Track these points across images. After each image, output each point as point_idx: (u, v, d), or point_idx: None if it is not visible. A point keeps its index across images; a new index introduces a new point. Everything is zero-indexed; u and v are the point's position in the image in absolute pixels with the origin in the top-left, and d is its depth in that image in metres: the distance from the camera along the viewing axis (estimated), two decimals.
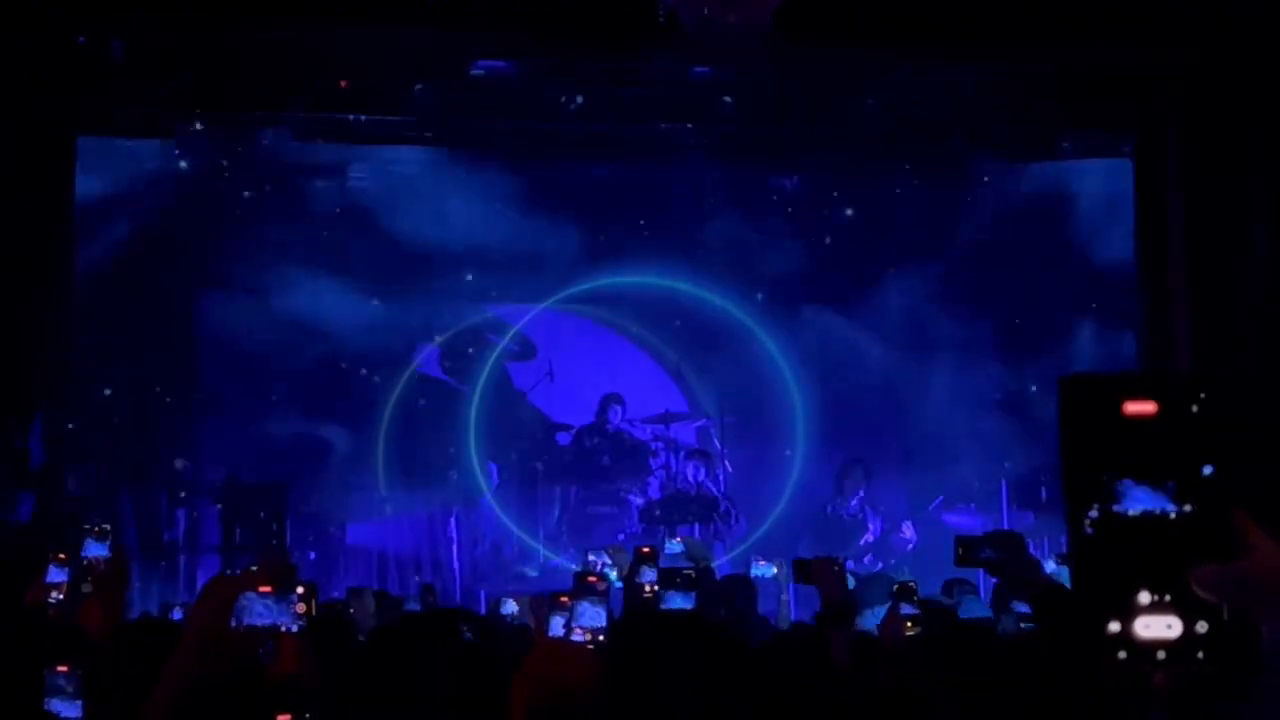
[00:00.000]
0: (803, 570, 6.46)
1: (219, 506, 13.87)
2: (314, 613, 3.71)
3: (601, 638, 4.54)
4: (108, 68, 11.75)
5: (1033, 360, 14.35)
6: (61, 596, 5.99)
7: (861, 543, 14.12)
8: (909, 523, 14.30)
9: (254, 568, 4.13)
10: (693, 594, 4.27)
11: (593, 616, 4.55)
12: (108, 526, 5.83)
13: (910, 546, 14.08)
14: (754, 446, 15.35)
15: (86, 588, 5.70)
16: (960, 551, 4.19)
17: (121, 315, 13.42)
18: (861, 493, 14.32)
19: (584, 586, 4.64)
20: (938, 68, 12.63)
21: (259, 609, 3.42)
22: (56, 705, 3.86)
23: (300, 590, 3.57)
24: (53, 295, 12.08)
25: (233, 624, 3.39)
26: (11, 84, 11.17)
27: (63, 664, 3.89)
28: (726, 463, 14.94)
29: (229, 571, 13.33)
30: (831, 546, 13.14)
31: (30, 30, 11.10)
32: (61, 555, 6.12)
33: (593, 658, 3.93)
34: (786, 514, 15.05)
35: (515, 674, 3.82)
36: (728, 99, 13.25)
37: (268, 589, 3.44)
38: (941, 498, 14.44)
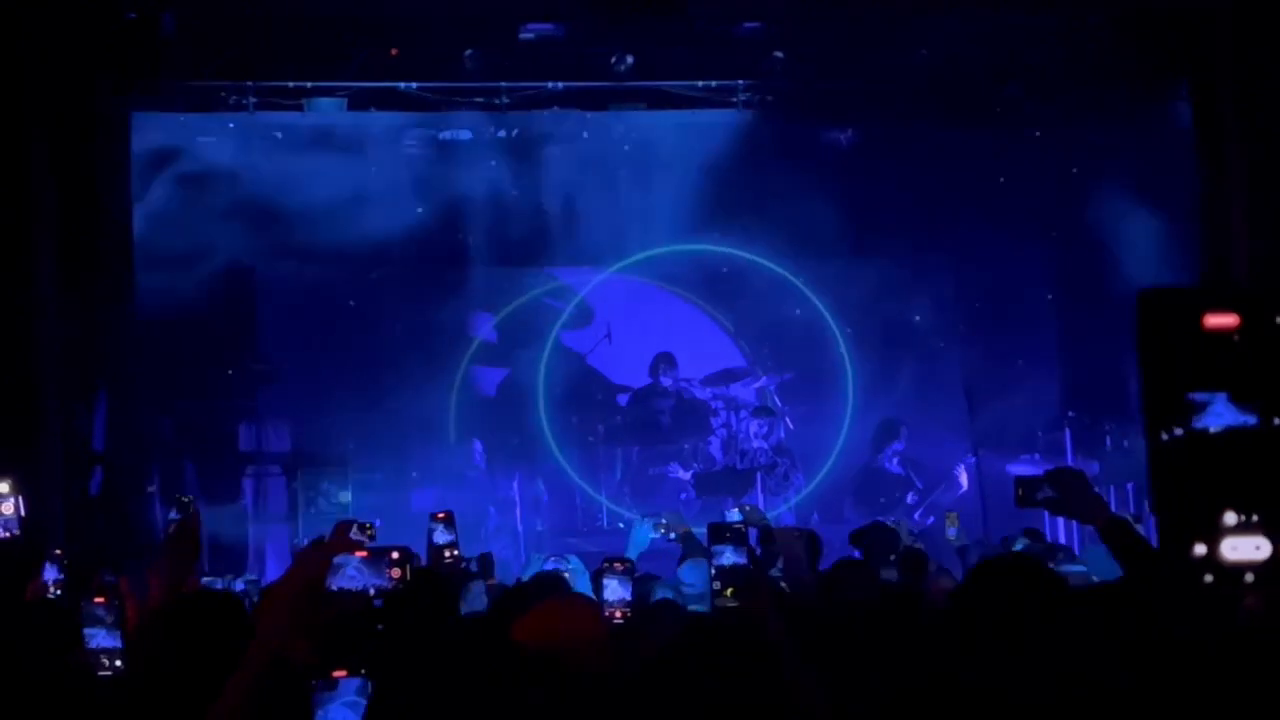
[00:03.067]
0: (769, 539, 6.54)
1: (284, 476, 13.98)
2: (408, 577, 3.76)
3: (628, 611, 5.01)
4: (159, 41, 11.79)
5: (1092, 307, 14.19)
6: (60, 593, 6.01)
7: (909, 499, 14.12)
8: (962, 467, 14.26)
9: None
10: (744, 548, 4.26)
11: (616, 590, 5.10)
12: (188, 498, 5.87)
13: (961, 492, 14.07)
14: (814, 404, 15.32)
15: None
16: (1020, 492, 4.20)
17: (183, 289, 13.49)
18: (899, 449, 14.32)
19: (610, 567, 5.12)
20: (990, 16, 12.48)
21: (351, 572, 3.45)
22: (97, 636, 3.95)
23: (395, 555, 3.61)
24: (113, 273, 12.17)
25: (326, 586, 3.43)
26: (65, 61, 11.23)
27: (99, 596, 3.98)
28: (787, 419, 14.92)
29: (300, 541, 13.48)
30: (875, 504, 13.23)
31: (82, 7, 11.16)
32: (58, 551, 6.15)
33: (595, 618, 3.98)
34: (837, 469, 15.02)
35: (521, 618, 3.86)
36: (778, 54, 13.14)
37: (364, 553, 3.47)
38: (974, 456, 14.35)
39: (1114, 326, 13.53)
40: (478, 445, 14.66)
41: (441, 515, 5.89)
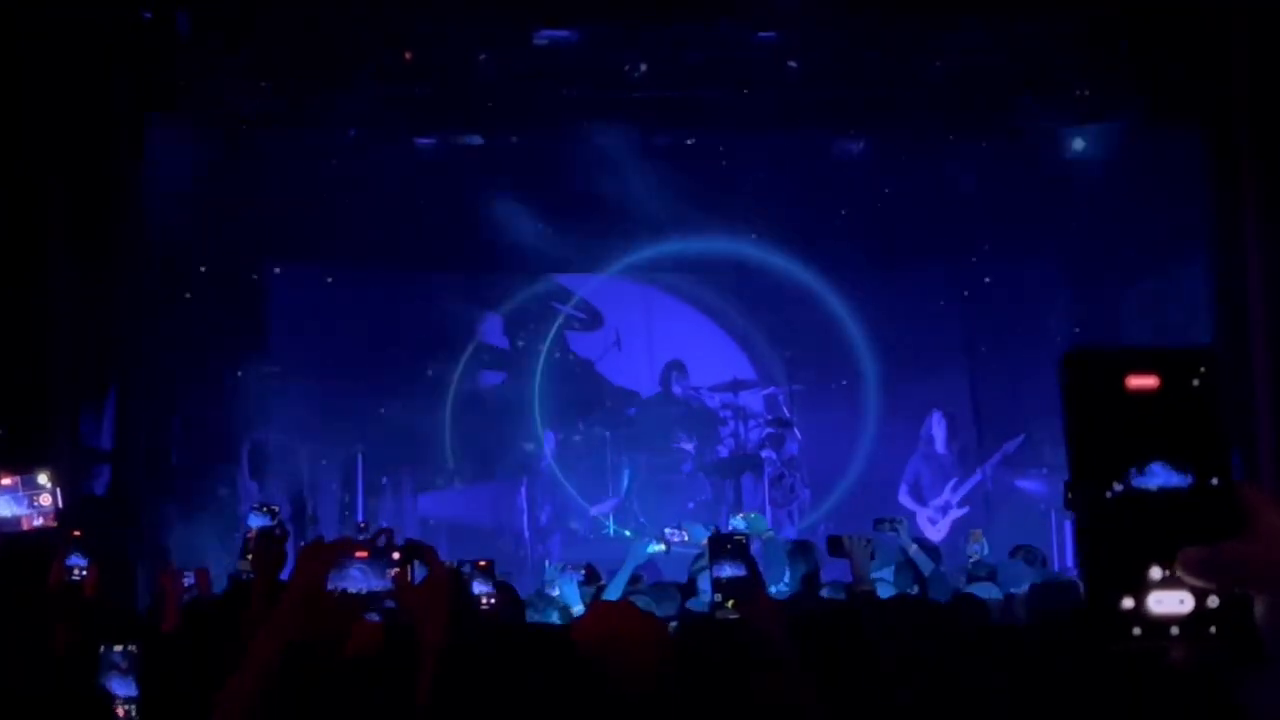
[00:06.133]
0: (836, 545, 6.64)
1: (291, 479, 13.99)
2: (412, 578, 3.74)
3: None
4: (174, 43, 11.82)
5: (1104, 322, 14.18)
6: (84, 574, 6.06)
7: (950, 485, 14.23)
8: (993, 463, 14.39)
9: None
10: (742, 562, 4.30)
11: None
12: (275, 506, 5.88)
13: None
14: (823, 414, 15.31)
15: (244, 565, 5.70)
16: (1069, 496, 4.26)
17: (194, 290, 13.51)
18: (944, 434, 14.43)
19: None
20: (1005, 27, 12.48)
21: (355, 574, 3.43)
22: (113, 684, 3.91)
23: (396, 555, 3.59)
24: (125, 272, 12.19)
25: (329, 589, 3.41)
26: (79, 63, 11.25)
27: (119, 643, 3.93)
28: (796, 430, 14.91)
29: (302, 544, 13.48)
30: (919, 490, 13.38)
31: (97, 7, 11.18)
32: (77, 534, 6.18)
33: (652, 621, 3.98)
34: (860, 482, 15.00)
35: (573, 626, 3.87)
36: (792, 63, 13.14)
37: (364, 554, 3.45)
38: (1000, 455, 14.36)
39: (1125, 337, 13.53)
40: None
41: (483, 564, 5.92)
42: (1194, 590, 1.35)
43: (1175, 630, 1.35)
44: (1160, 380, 1.40)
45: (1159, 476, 1.38)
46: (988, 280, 14.99)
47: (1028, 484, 14.16)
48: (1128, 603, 1.36)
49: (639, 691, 3.55)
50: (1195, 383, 1.40)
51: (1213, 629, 1.34)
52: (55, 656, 4.51)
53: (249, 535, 5.73)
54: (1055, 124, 14.06)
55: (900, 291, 15.12)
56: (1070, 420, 1.44)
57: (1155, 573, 1.35)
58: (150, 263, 12.61)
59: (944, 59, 13.06)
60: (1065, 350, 1.45)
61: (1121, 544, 1.37)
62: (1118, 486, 1.39)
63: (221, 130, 13.49)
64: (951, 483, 14.34)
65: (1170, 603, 1.35)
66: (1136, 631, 1.35)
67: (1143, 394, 1.40)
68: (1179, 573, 1.34)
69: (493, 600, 5.78)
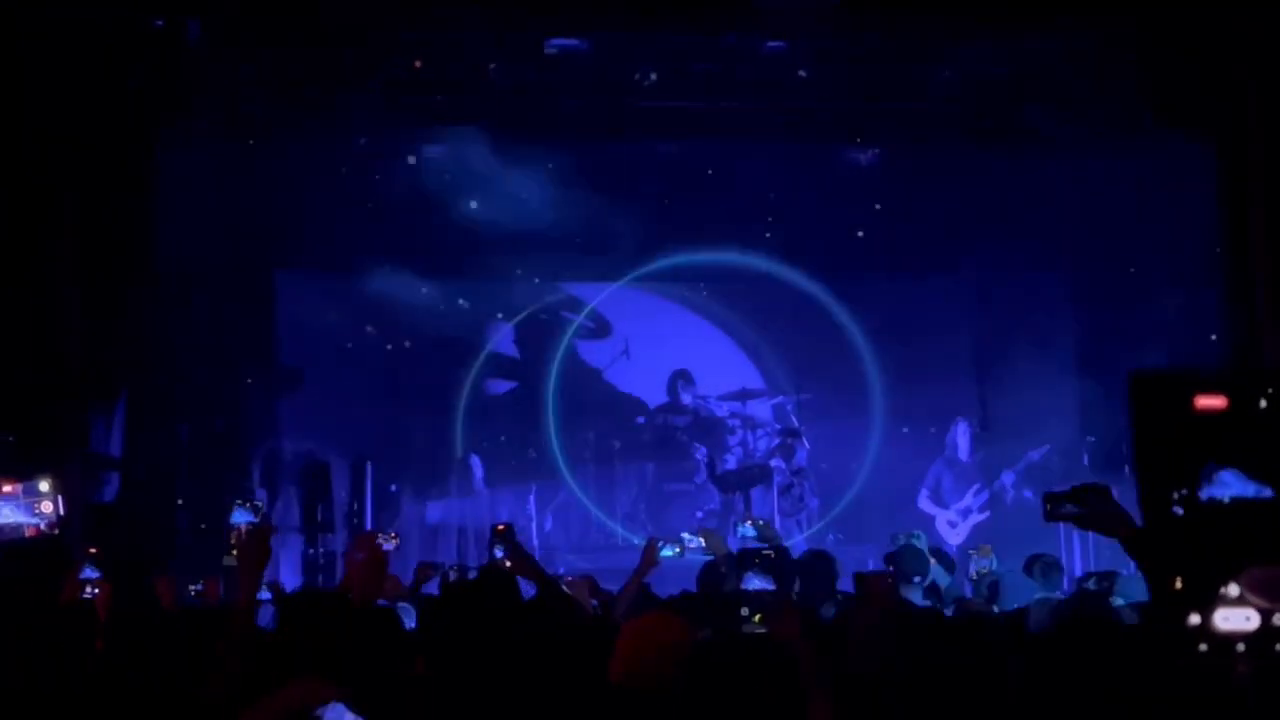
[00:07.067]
0: (860, 583, 6.60)
1: (300, 487, 13.98)
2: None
3: None
4: (184, 52, 11.83)
5: (1115, 334, 14.16)
6: (97, 591, 6.06)
7: (972, 490, 14.22)
8: (1010, 472, 14.38)
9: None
10: (771, 575, 4.26)
11: None
12: (259, 503, 5.88)
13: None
14: (831, 423, 15.28)
15: (229, 560, 5.70)
16: (1048, 508, 4.25)
17: (203, 298, 13.52)
18: (968, 443, 14.45)
19: None
20: (1013, 37, 12.47)
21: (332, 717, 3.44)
22: None
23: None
24: (135, 279, 12.20)
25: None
26: (90, 69, 11.27)
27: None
28: (804, 439, 14.89)
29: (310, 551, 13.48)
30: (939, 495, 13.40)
31: (107, 17, 11.20)
32: (93, 550, 6.16)
33: (683, 624, 4.00)
34: (868, 492, 14.96)
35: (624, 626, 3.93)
36: (802, 73, 13.13)
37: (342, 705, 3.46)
38: (1024, 464, 14.35)
39: (1133, 348, 13.50)
40: (476, 461, 14.66)
41: (501, 528, 5.95)
42: (1259, 608, 1.32)
43: (1241, 647, 1.32)
44: (1228, 401, 1.38)
45: (1231, 486, 1.35)
46: (996, 291, 14.95)
47: (1033, 494, 14.13)
48: (1194, 618, 1.33)
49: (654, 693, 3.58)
50: (1263, 404, 1.37)
51: (1278, 647, 1.32)
52: (65, 665, 4.50)
53: (234, 530, 5.74)
54: (1065, 135, 14.01)
55: (908, 301, 15.09)
56: (1138, 440, 1.42)
57: (1223, 590, 1.33)
58: (160, 269, 12.62)
59: (953, 70, 13.05)
60: (1132, 371, 1.42)
61: (1190, 561, 1.35)
62: (1178, 507, 1.37)
63: (231, 137, 13.49)
64: (974, 488, 14.35)
65: (1237, 619, 1.33)
66: (1203, 647, 1.33)
67: (1210, 414, 1.38)
68: (1242, 591, 1.32)
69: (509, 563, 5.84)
